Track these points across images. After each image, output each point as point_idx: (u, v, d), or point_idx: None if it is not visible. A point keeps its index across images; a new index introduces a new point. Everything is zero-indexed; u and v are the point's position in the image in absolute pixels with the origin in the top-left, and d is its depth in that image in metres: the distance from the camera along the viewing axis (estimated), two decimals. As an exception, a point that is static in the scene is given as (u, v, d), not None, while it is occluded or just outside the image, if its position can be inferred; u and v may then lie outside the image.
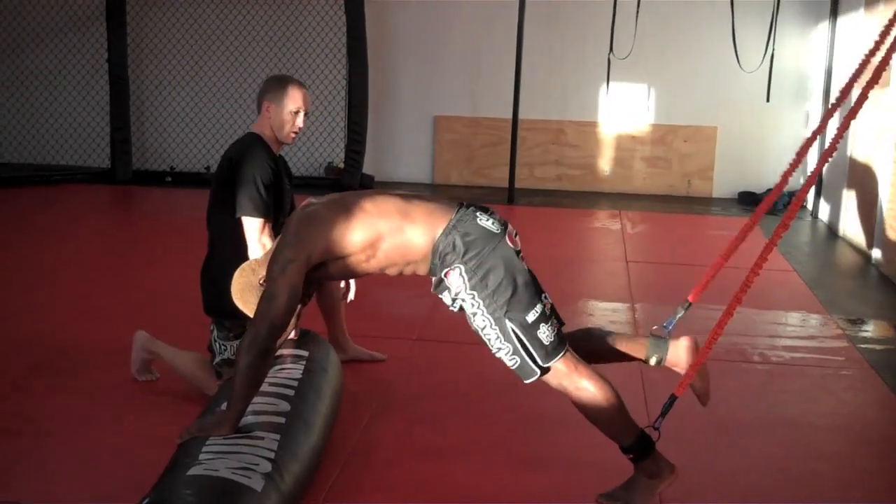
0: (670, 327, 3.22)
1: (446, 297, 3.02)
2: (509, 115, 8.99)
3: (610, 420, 3.05)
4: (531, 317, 2.94)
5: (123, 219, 8.59)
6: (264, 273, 3.06)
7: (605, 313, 5.43)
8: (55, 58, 10.01)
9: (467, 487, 3.25)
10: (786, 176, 3.36)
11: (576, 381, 3.00)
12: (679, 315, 3.28)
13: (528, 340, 2.94)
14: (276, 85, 3.86)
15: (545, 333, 2.95)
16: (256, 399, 3.14)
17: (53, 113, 10.10)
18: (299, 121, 3.85)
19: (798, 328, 5.32)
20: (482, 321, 2.95)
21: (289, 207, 3.99)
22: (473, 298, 2.94)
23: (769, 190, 9.06)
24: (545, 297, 3.02)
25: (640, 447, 3.05)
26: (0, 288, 5.57)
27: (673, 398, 3.14)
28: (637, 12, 8.09)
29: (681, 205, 9.02)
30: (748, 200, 9.25)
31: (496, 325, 2.93)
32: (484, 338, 2.98)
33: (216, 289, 3.52)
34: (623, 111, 9.65)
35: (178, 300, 4.97)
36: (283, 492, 2.78)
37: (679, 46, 9.50)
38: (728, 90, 9.21)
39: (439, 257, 2.96)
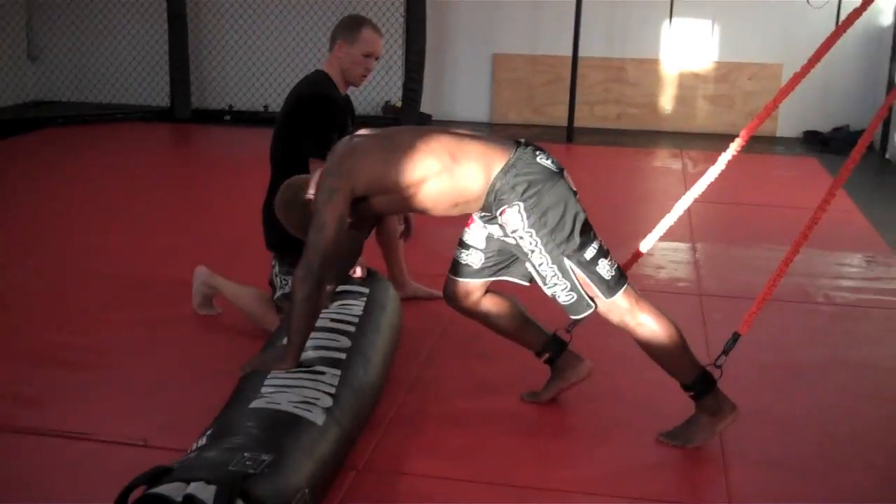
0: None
1: (496, 230, 3.04)
2: (569, 53, 8.85)
3: (672, 357, 3.05)
4: (589, 253, 2.94)
5: (184, 157, 8.65)
6: (310, 192, 3.03)
7: (666, 253, 5.36)
8: (114, -3, 10.05)
9: (521, 419, 3.26)
10: (871, 128, 3.26)
11: (637, 316, 3.01)
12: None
13: (589, 276, 2.94)
14: (352, 25, 3.84)
15: (605, 268, 2.96)
16: (318, 334, 3.16)
17: (113, 52, 10.15)
18: (370, 64, 3.83)
19: (863, 269, 5.23)
20: (539, 258, 2.95)
21: None
22: (532, 236, 2.93)
23: (835, 129, 8.88)
24: (600, 239, 3.01)
25: (702, 385, 3.05)
26: (67, 226, 5.65)
27: (736, 336, 3.13)
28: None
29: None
30: (813, 140, 9.05)
31: (554, 262, 2.94)
32: (539, 274, 2.99)
33: (278, 223, 3.53)
34: (685, 48, 9.45)
35: (238, 236, 5.00)
36: (343, 425, 2.81)
37: (744, -19, 9.28)
38: (794, 26, 8.97)
39: (495, 196, 2.93)
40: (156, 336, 3.94)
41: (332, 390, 2.89)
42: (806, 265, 5.17)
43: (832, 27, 7.97)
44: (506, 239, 3.03)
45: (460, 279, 3.24)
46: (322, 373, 2.97)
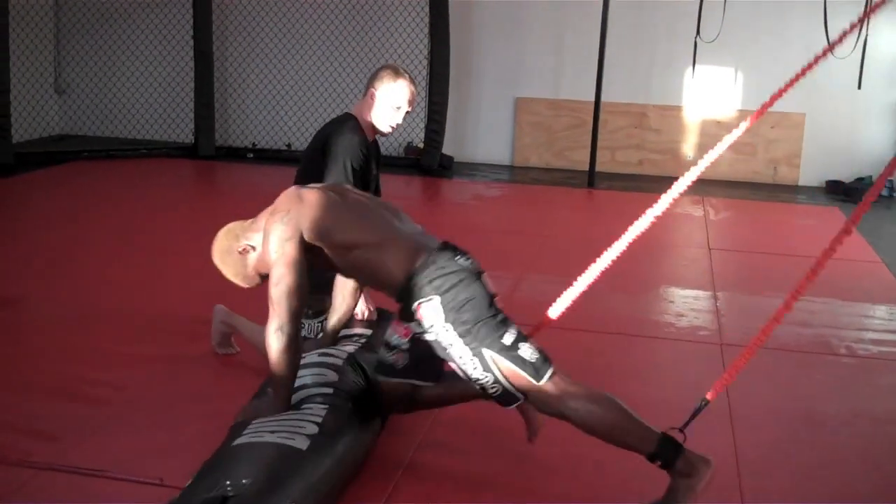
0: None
1: (417, 327, 2.97)
2: (591, 98, 8.86)
3: (622, 433, 2.87)
4: (508, 338, 2.87)
5: (207, 194, 8.69)
6: (248, 241, 3.10)
7: (687, 301, 5.34)
8: (142, 33, 10.13)
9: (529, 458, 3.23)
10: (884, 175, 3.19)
11: (571, 401, 2.86)
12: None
13: (512, 361, 2.85)
14: (388, 75, 3.86)
15: (527, 352, 2.87)
16: (306, 371, 3.19)
17: (139, 88, 10.24)
18: (399, 116, 3.86)
19: (886, 321, 5.18)
20: (459, 351, 2.89)
21: (373, 193, 4.00)
22: (448, 332, 2.88)
23: (858, 179, 8.86)
24: (518, 328, 2.92)
25: (666, 451, 2.85)
26: (88, 260, 5.68)
27: (705, 402, 2.99)
28: (726, -6, 7.92)
29: (766, 192, 8.83)
30: (836, 189, 9.02)
31: (474, 355, 2.87)
32: (461, 368, 2.91)
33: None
34: (708, 96, 9.46)
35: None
36: (329, 450, 2.81)
37: (768, 30, 9.26)
38: (818, 76, 8.82)
39: (412, 289, 2.92)
40: (174, 373, 3.94)
41: (318, 419, 2.91)
42: (829, 316, 5.14)
43: (855, 78, 7.98)
44: (426, 335, 2.96)
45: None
46: (309, 408, 3.00)
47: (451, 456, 3.31)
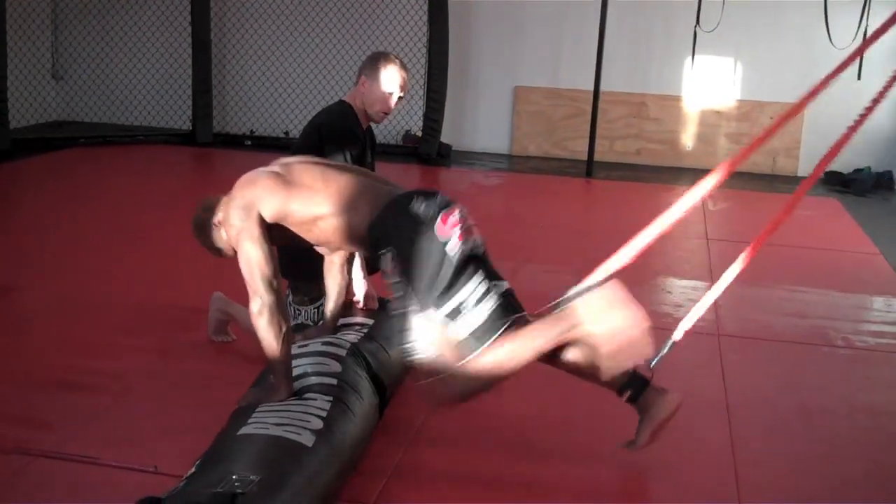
0: (652, 364, 3.07)
1: (385, 278, 2.97)
2: (590, 87, 8.84)
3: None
4: (450, 306, 2.81)
5: (204, 181, 8.66)
6: (219, 216, 3.15)
7: (685, 291, 5.33)
8: (139, 19, 10.10)
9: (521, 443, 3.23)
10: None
11: (502, 358, 2.79)
12: (664, 352, 3.10)
13: (446, 336, 2.82)
14: (378, 62, 3.85)
15: (462, 326, 2.80)
16: (308, 360, 3.19)
17: (137, 74, 10.21)
18: (392, 102, 3.84)
19: (884, 313, 5.17)
20: (400, 305, 2.90)
21: None
22: (396, 284, 2.90)
23: (857, 170, 8.85)
24: (472, 289, 2.83)
25: (636, 388, 3.05)
26: (83, 248, 5.67)
27: (672, 343, 3.14)
28: (726, -16, 7.90)
29: (765, 183, 8.82)
30: (834, 180, 9.00)
31: (412, 313, 2.86)
32: (406, 323, 2.91)
33: (292, 251, 3.52)
34: (708, 86, 9.44)
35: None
36: (335, 447, 2.79)
37: (768, 20, 9.24)
38: (817, 67, 8.84)
39: (373, 241, 2.96)
40: (169, 361, 3.93)
41: (323, 413, 2.89)
42: (826, 308, 5.13)
43: (855, 69, 7.95)
44: (392, 288, 2.95)
45: None
46: (313, 399, 2.98)
47: (444, 451, 3.30)
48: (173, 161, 8.93)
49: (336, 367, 3.19)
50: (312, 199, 3.03)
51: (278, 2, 9.88)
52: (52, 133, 9.57)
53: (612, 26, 8.76)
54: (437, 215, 2.86)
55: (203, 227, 3.22)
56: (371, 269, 3.86)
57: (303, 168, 3.16)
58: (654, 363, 3.05)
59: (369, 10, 9.70)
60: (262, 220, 3.03)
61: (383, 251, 2.92)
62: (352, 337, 3.47)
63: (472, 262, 2.87)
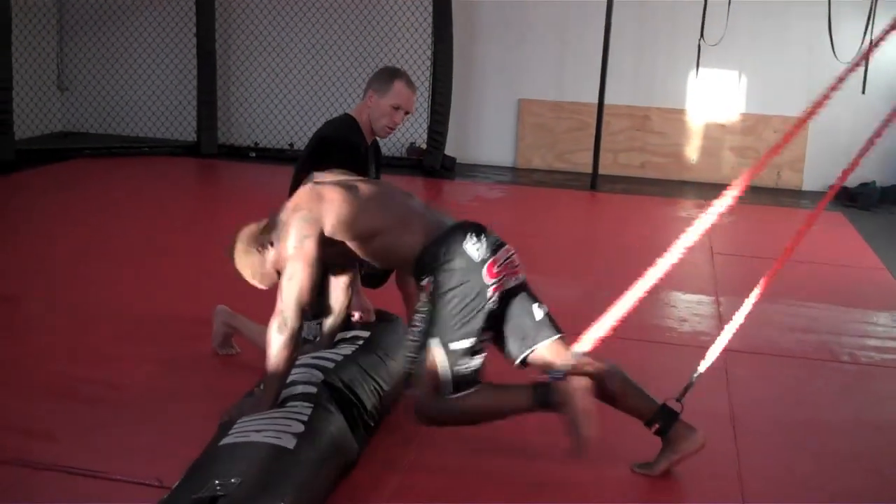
0: (681, 399, 3.20)
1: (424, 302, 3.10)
2: (594, 100, 8.85)
3: (498, 411, 3.08)
4: (460, 346, 2.98)
5: (208, 193, 8.68)
6: (265, 239, 3.16)
7: (689, 305, 5.32)
8: (145, 31, 10.12)
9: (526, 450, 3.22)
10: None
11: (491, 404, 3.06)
12: (691, 386, 3.24)
13: (446, 365, 2.98)
14: (386, 76, 3.85)
15: (463, 366, 2.99)
16: (297, 370, 3.21)
17: (142, 86, 10.23)
18: (398, 117, 3.84)
19: (890, 328, 5.15)
20: (418, 324, 3.04)
21: None
22: (424, 308, 3.04)
23: (862, 184, 8.83)
24: (483, 337, 3.05)
25: (543, 397, 3.04)
26: (88, 259, 5.66)
27: (697, 376, 3.23)
28: (730, -2, 7.91)
29: (769, 197, 8.81)
30: (841, 195, 8.98)
31: (422, 336, 3.01)
32: (408, 338, 3.09)
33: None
34: (712, 99, 9.44)
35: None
36: (318, 448, 2.82)
37: (772, 34, 9.25)
38: (822, 81, 8.81)
39: (420, 267, 3.06)
40: (173, 373, 3.92)
41: (304, 417, 2.91)
42: (831, 323, 5.12)
43: (860, 83, 7.97)
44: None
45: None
46: (294, 405, 3.01)
47: (451, 454, 3.29)
48: (178, 172, 8.94)
49: (318, 376, 3.21)
50: (374, 215, 3.10)
51: (283, 14, 9.90)
52: (58, 144, 9.58)
53: (617, 39, 8.77)
54: (488, 260, 3.03)
55: (245, 255, 3.22)
56: (372, 283, 3.88)
57: (362, 183, 3.23)
58: (682, 397, 3.13)
59: (374, 22, 9.71)
60: (321, 239, 3.04)
61: (425, 278, 3.04)
62: (346, 350, 3.47)
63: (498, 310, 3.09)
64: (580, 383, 3.03)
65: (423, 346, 2.99)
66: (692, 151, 9.59)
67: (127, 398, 3.65)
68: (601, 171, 9.03)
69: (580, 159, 9.51)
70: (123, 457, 3.15)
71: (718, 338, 3.31)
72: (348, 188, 3.14)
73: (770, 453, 3.48)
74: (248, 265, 3.21)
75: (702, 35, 8.24)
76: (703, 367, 3.20)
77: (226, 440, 2.77)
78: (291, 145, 9.93)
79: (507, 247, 3.13)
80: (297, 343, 3.06)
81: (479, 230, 3.08)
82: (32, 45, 9.48)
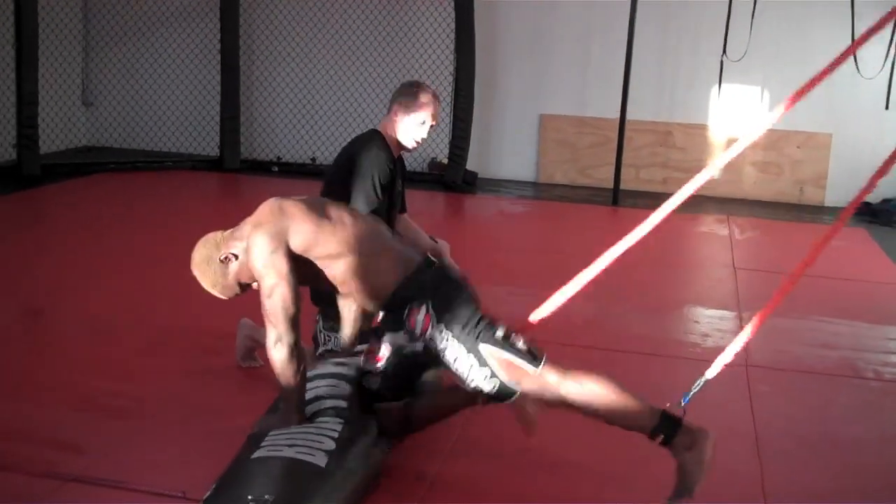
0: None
1: (408, 336, 3.06)
2: (616, 116, 8.86)
3: (624, 413, 2.95)
4: (500, 332, 2.97)
5: (232, 207, 8.70)
6: (229, 250, 3.13)
7: (711, 321, 5.30)
8: (169, 46, 10.21)
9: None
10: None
11: (570, 385, 2.94)
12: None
13: (509, 351, 2.94)
14: (411, 91, 3.88)
15: (521, 343, 2.98)
16: (320, 382, 3.21)
17: (166, 101, 10.31)
18: (424, 131, 3.87)
19: (914, 345, 5.13)
20: (453, 352, 2.97)
21: (398, 209, 4.02)
22: (441, 333, 2.98)
23: (885, 200, 8.77)
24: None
25: (666, 427, 2.93)
26: (112, 272, 5.70)
27: (703, 381, 3.08)
28: (752, 13, 7.90)
29: (792, 212, 8.78)
30: (863, 210, 8.94)
31: (469, 352, 2.95)
32: (457, 370, 2.99)
33: (323, 277, 3.52)
34: (734, 115, 9.42)
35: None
36: (349, 465, 2.84)
37: (795, 50, 9.22)
38: (845, 96, 8.91)
39: (400, 298, 3.03)
40: (197, 386, 3.95)
41: (335, 434, 2.91)
42: (854, 339, 5.10)
43: (883, 98, 7.94)
44: (415, 345, 3.06)
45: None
46: (325, 421, 3.01)
47: (479, 465, 3.29)
48: (201, 187, 8.99)
49: (346, 388, 3.21)
50: (340, 236, 3.07)
51: (306, 30, 9.96)
52: (82, 158, 9.68)
53: (639, 55, 8.77)
54: (466, 279, 3.12)
55: (206, 264, 3.19)
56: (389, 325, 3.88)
57: (330, 204, 3.22)
58: (685, 402, 3.02)
59: (397, 37, 9.76)
60: (289, 252, 3.03)
61: (416, 304, 3.00)
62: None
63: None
64: (709, 434, 2.97)
65: (481, 362, 2.95)
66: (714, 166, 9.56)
67: (152, 411, 3.68)
68: (623, 186, 9.03)
69: (602, 175, 9.51)
70: (148, 469, 3.18)
71: (731, 343, 3.23)
72: (312, 205, 3.15)
73: (793, 469, 3.47)
74: (209, 275, 3.18)
75: (724, 51, 8.24)
76: (710, 372, 3.10)
77: (258, 453, 2.78)
78: (314, 159, 9.98)
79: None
80: (300, 355, 3.05)
81: (445, 266, 3.18)
82: (58, 60, 9.58)
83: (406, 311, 3.02)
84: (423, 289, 3.01)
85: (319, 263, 3.08)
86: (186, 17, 10.18)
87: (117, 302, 5.07)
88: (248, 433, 3.03)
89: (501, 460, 3.36)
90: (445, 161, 9.43)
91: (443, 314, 2.97)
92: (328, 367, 3.34)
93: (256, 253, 3.03)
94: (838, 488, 3.35)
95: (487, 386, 2.95)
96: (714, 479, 3.16)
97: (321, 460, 2.74)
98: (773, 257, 7.18)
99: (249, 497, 2.51)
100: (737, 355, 4.68)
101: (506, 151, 9.98)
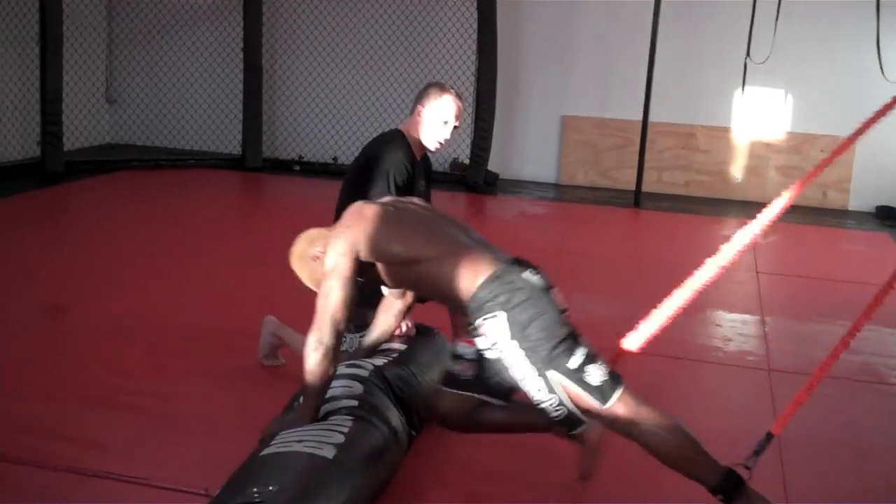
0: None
1: (481, 343, 2.96)
2: (639, 118, 8.83)
3: (688, 461, 2.84)
4: (575, 361, 2.83)
5: (253, 205, 8.75)
6: (319, 248, 3.12)
7: (734, 325, 5.28)
8: (192, 45, 10.25)
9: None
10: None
11: (641, 424, 2.83)
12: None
13: (578, 385, 2.82)
14: (434, 91, 3.87)
15: (595, 375, 2.83)
16: (335, 384, 3.20)
17: (189, 99, 10.36)
18: (447, 131, 3.86)
19: (938, 350, 5.09)
20: (521, 372, 2.86)
21: None
22: (512, 350, 2.86)
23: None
24: (588, 344, 2.90)
25: (729, 487, 2.81)
26: (134, 269, 5.73)
27: (769, 436, 2.96)
28: (777, 15, 7.86)
29: (814, 216, 8.73)
30: (886, 215, 8.90)
31: (539, 375, 2.84)
32: (524, 388, 2.89)
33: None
34: (758, 117, 9.38)
35: (306, 287, 5.02)
36: (358, 458, 2.83)
37: (819, 52, 9.18)
38: (869, 100, 8.73)
39: (478, 303, 2.90)
40: (220, 384, 3.96)
41: (344, 429, 2.92)
42: (877, 344, 5.06)
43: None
44: (488, 353, 2.96)
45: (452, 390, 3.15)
46: (335, 418, 3.02)
47: (494, 484, 3.29)
48: (223, 186, 9.02)
49: (359, 389, 3.22)
50: (417, 241, 3.01)
51: (328, 30, 9.98)
52: (105, 156, 9.72)
53: (662, 57, 8.74)
54: (552, 288, 2.95)
55: (301, 260, 3.21)
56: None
57: (412, 206, 3.18)
58: (751, 462, 2.91)
59: (419, 38, 9.77)
60: (356, 259, 3.00)
61: (491, 315, 2.87)
62: (379, 361, 3.48)
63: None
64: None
65: (549, 388, 2.84)
66: (737, 170, 9.53)
67: (174, 408, 3.69)
68: (645, 188, 9.00)
69: (624, 177, 9.48)
70: (171, 466, 3.19)
71: (794, 397, 3.11)
72: (392, 208, 3.10)
73: (816, 474, 3.45)
74: (305, 270, 3.20)
75: (748, 53, 8.20)
76: (776, 428, 3.00)
77: (267, 451, 2.80)
78: (335, 159, 10.00)
79: (556, 289, 3.01)
80: (334, 359, 3.04)
81: (530, 265, 2.99)
82: (82, 58, 9.63)
83: (480, 318, 2.90)
84: (497, 297, 2.88)
85: (392, 269, 3.06)
86: (210, 15, 10.22)
87: (140, 299, 5.09)
88: (260, 437, 3.04)
89: (517, 478, 3.35)
90: (467, 161, 9.43)
91: (516, 329, 2.84)
92: (342, 369, 3.34)
93: (329, 253, 3.03)
94: (860, 493, 3.33)
95: (554, 413, 2.87)
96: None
97: (329, 452, 2.75)
98: (795, 261, 7.16)
99: (255, 489, 2.53)
100: (758, 359, 4.69)
101: (527, 152, 9.98)
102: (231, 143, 10.13)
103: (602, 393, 2.82)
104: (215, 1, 10.20)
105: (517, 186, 9.55)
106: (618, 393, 2.83)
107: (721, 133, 9.52)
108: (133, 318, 4.75)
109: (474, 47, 9.38)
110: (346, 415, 3.05)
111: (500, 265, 2.94)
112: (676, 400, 4.08)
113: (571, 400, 2.84)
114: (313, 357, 2.99)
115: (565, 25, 9.66)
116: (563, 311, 2.92)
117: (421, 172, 3.96)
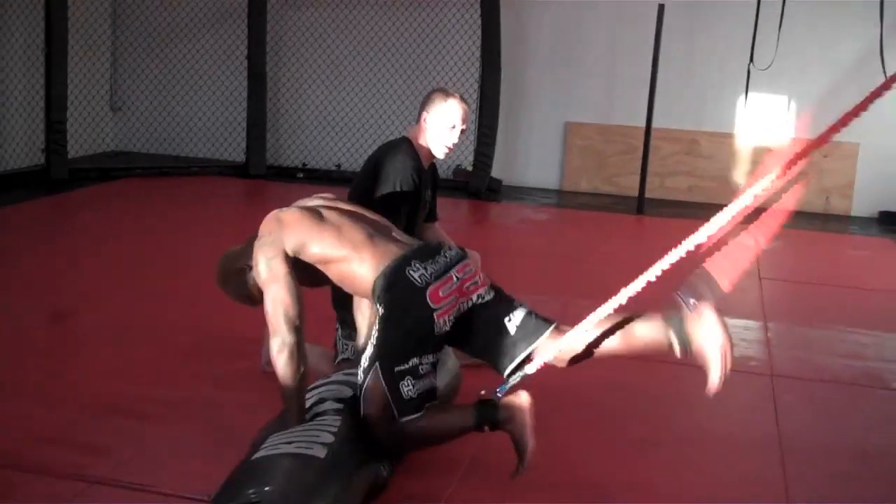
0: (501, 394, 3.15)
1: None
2: (642, 124, 8.84)
3: (447, 429, 3.09)
4: (402, 368, 3.00)
5: (257, 212, 8.64)
6: (243, 262, 3.28)
7: (736, 330, 5.25)
8: (196, 53, 10.28)
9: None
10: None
11: (404, 442, 3.07)
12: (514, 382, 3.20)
13: (389, 391, 3.00)
14: (438, 97, 3.89)
15: (407, 388, 3.00)
16: (328, 386, 3.27)
17: (193, 106, 10.38)
18: (454, 136, 3.87)
19: (942, 355, 5.09)
20: (367, 351, 3.08)
21: (425, 217, 4.02)
22: (373, 330, 3.08)
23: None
24: (429, 360, 3.05)
25: (487, 415, 3.05)
26: (138, 276, 5.75)
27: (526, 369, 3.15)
28: (780, 22, 7.87)
29: (817, 222, 8.73)
30: (889, 220, 8.90)
31: (369, 359, 3.04)
32: (361, 365, 3.09)
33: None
34: (761, 123, 9.39)
35: (308, 294, 5.03)
36: (349, 456, 2.87)
37: (823, 58, 9.18)
38: (873, 106, 8.83)
39: (375, 292, 3.09)
40: (222, 391, 3.97)
41: (333, 429, 2.95)
42: (879, 349, 5.07)
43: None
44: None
45: None
46: (323, 419, 3.05)
47: (494, 486, 3.30)
48: (226, 193, 9.04)
49: (347, 392, 3.23)
50: (332, 240, 3.15)
51: (332, 38, 10.01)
52: (110, 163, 9.74)
53: (665, 63, 8.75)
54: (431, 285, 3.04)
55: (227, 278, 3.37)
56: None
57: (330, 210, 3.29)
58: (500, 394, 3.10)
59: (422, 44, 9.79)
60: (287, 258, 3.14)
61: (377, 306, 3.09)
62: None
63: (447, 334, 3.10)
64: (524, 399, 3.06)
65: (370, 371, 3.03)
66: (740, 176, 9.53)
67: (178, 415, 3.70)
68: (648, 194, 9.00)
69: (627, 183, 9.48)
70: (176, 472, 3.20)
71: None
72: (309, 213, 3.23)
73: (818, 479, 3.46)
74: (231, 286, 3.36)
75: (752, 59, 8.21)
76: (530, 368, 3.17)
77: (257, 455, 2.83)
78: (338, 166, 10.02)
79: (461, 265, 3.14)
80: (301, 356, 3.11)
81: (426, 255, 3.12)
82: (87, 65, 9.67)
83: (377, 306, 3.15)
84: (381, 288, 3.07)
85: (319, 266, 3.19)
86: (214, 23, 10.25)
87: (144, 306, 5.11)
88: (250, 443, 3.06)
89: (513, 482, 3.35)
90: (470, 168, 9.44)
91: (380, 318, 3.07)
92: (338, 376, 3.37)
93: (259, 263, 3.15)
94: (865, 498, 3.33)
95: (358, 390, 3.08)
96: (740, 487, 3.17)
97: (320, 452, 2.78)
98: (798, 267, 7.16)
99: (251, 492, 2.56)
100: (761, 364, 4.70)
101: (531, 159, 9.99)
102: (235, 150, 10.16)
103: (402, 405, 3.00)
104: (219, 9, 10.23)
105: (521, 193, 9.56)
106: (412, 416, 3.01)
107: (724, 139, 9.53)
108: (138, 325, 4.77)
109: (478, 54, 9.40)
110: (334, 415, 3.06)
111: (392, 259, 3.10)
112: (678, 405, 4.09)
113: (368, 390, 3.01)
114: (280, 359, 3.08)
115: (569, 32, 9.67)
116: (435, 311, 3.02)
117: (427, 182, 3.97)
